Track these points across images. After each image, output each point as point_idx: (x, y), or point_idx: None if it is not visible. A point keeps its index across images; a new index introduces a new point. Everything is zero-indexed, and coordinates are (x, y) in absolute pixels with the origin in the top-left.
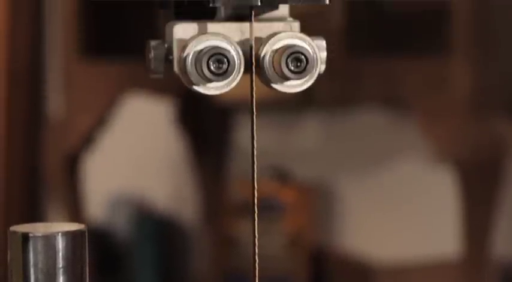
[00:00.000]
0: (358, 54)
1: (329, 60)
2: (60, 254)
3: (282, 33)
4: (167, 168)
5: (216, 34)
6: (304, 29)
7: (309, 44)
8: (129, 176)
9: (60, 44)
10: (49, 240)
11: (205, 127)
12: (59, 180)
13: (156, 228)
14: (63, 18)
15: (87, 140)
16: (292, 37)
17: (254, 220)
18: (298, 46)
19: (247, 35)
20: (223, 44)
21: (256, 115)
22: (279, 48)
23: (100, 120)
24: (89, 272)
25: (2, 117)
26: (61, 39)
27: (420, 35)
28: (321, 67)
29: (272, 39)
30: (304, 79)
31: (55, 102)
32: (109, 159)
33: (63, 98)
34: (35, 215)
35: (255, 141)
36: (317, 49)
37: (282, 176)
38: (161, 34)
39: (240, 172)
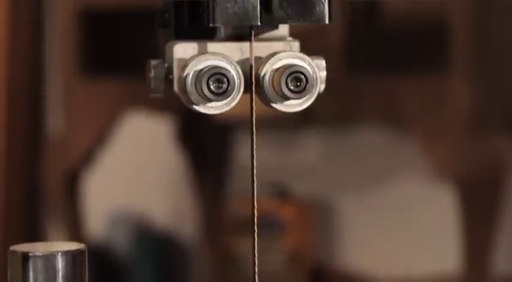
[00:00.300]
0: (358, 73)
1: (329, 79)
2: (60, 273)
3: (282, 52)
4: (167, 185)
5: (216, 54)
6: (304, 48)
7: (309, 64)
8: (129, 194)
9: (60, 62)
10: (49, 259)
11: (205, 145)
12: (59, 198)
13: (155, 245)
14: (63, 36)
15: (87, 158)
16: (292, 57)
17: (254, 237)
18: (298, 66)
19: (247, 55)
20: (223, 64)
21: (256, 133)
22: (279, 68)
23: (100, 138)
24: None
25: (1, 135)
26: (61, 57)
27: (420, 53)
28: (321, 86)
29: (272, 59)
30: (304, 98)
31: (55, 120)
32: (109, 177)
33: (63, 116)
34: (35, 233)
35: (254, 160)
36: (317, 69)
37: (282, 193)
38: (161, 53)
39: (240, 189)
